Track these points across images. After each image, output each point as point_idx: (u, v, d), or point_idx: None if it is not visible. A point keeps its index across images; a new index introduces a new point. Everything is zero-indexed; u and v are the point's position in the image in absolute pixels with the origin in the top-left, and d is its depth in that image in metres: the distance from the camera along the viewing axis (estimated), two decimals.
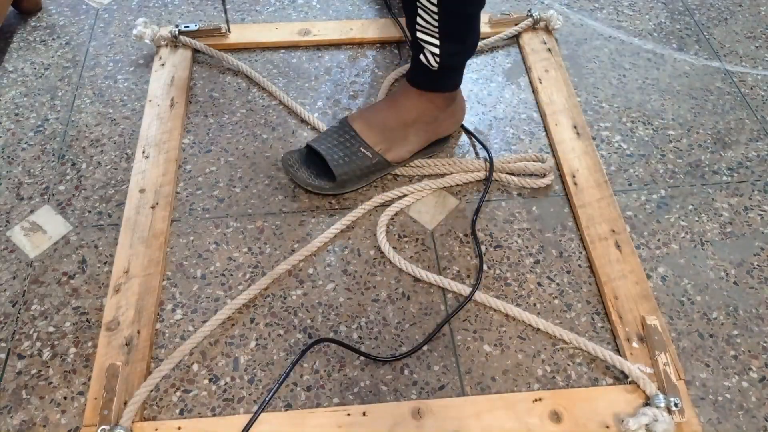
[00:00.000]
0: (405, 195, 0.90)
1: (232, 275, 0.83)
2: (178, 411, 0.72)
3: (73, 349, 0.77)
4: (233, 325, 0.79)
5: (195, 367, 0.75)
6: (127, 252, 0.84)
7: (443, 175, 0.93)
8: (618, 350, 0.76)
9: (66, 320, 0.79)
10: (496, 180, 0.93)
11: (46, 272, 0.83)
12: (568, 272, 0.83)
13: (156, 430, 0.69)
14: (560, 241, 0.87)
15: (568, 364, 0.75)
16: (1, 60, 1.11)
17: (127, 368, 0.73)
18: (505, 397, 0.72)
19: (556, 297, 0.81)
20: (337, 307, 0.80)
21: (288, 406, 0.72)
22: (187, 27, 1.11)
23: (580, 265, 0.84)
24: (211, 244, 0.86)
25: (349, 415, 0.70)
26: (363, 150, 0.87)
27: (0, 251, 0.86)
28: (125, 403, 0.70)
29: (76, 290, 0.82)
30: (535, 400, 0.71)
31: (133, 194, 0.90)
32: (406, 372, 0.75)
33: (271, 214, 0.89)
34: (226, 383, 0.73)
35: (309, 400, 0.72)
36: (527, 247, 0.86)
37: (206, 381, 0.74)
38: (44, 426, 0.71)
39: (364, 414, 0.70)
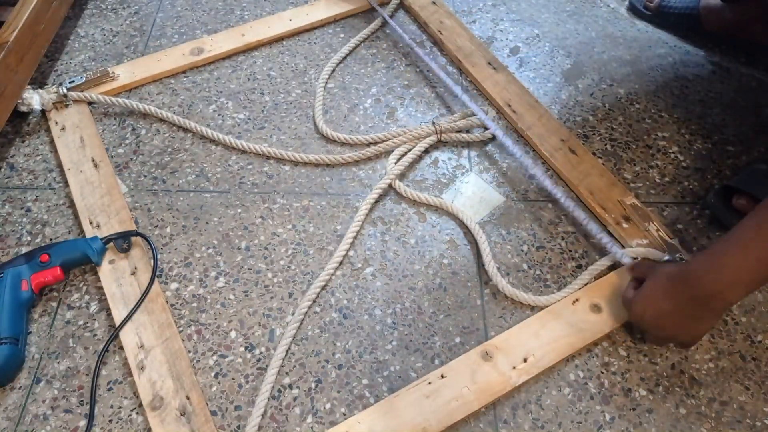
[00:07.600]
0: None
1: (275, 250, 0.85)
2: (212, 372, 0.74)
3: None
4: (272, 297, 0.81)
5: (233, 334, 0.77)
6: (132, 326, 0.76)
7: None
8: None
9: None
10: (446, 141, 0.97)
11: None
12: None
13: None
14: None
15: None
16: (75, 24, 1.16)
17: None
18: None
19: None
20: (373, 291, 0.81)
21: (318, 385, 0.73)
22: (73, 81, 1.00)
23: None
24: (257, 218, 0.88)
25: (430, 384, 0.72)
26: None
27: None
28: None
29: None
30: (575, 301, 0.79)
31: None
32: (436, 362, 0.75)
33: (317, 194, 0.91)
34: (261, 352, 0.75)
35: (339, 378, 0.74)
36: (570, 251, 0.85)
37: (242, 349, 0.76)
38: (86, 375, 0.74)
39: (442, 377, 0.73)
